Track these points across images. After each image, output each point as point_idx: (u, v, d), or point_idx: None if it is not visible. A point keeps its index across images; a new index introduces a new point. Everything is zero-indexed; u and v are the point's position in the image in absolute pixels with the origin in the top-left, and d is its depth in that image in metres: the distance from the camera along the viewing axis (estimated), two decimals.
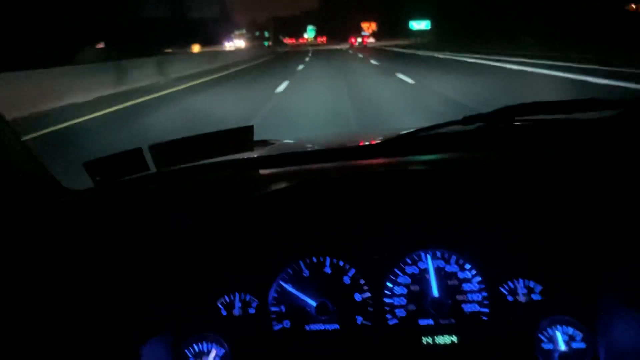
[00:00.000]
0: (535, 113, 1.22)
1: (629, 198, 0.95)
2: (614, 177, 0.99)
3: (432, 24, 63.76)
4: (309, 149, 1.43)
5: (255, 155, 1.26)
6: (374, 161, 1.15)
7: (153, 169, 1.17)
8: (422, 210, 1.07)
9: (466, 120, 1.18)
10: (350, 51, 46.39)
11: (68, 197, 1.15)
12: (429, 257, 1.08)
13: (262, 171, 1.15)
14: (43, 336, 0.90)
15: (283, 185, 1.01)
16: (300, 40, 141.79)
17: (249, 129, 1.17)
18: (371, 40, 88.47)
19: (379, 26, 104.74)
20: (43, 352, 0.88)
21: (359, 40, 78.43)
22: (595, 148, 1.10)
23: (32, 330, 0.90)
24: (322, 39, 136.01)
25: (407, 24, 66.92)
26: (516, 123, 1.20)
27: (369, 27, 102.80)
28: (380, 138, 1.29)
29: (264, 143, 1.65)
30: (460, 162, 1.10)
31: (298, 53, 47.79)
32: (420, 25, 66.02)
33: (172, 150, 1.15)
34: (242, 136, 1.18)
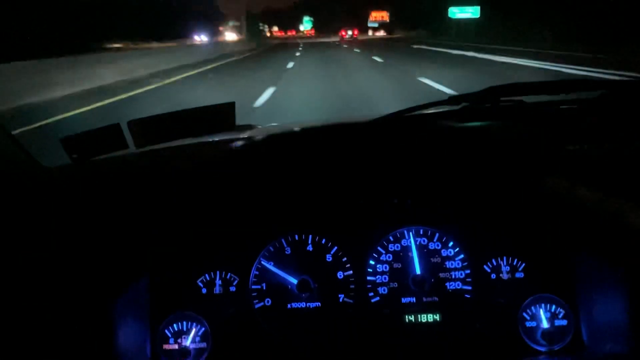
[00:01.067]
0: (520, 94, 1.21)
1: (609, 176, 0.94)
2: (595, 157, 0.98)
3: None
4: (291, 130, 1.41)
5: (238, 136, 1.24)
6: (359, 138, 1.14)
7: (132, 146, 1.15)
8: (405, 187, 1.06)
9: (452, 100, 1.17)
10: (345, 45, 41.55)
11: (43, 174, 1.13)
12: (411, 234, 1.07)
13: (242, 147, 1.13)
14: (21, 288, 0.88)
15: (264, 158, 0.99)
16: (289, 33, 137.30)
17: (231, 105, 1.15)
18: (381, 33, 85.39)
19: (392, 14, 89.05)
20: (22, 333, 0.86)
21: (349, 33, 77.83)
22: (578, 128, 1.09)
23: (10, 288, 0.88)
24: (310, 32, 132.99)
25: (442, 10, 45.55)
26: (502, 103, 1.19)
27: (376, 17, 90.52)
28: (364, 119, 1.27)
29: (246, 127, 1.62)
30: (444, 140, 1.09)
31: (287, 47, 41.99)
32: (464, 13, 44.11)
33: (151, 127, 1.12)
34: (223, 113, 1.16)
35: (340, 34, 78.70)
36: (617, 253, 0.92)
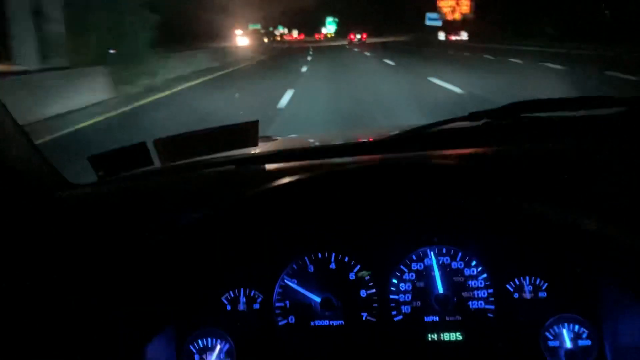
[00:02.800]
0: (541, 110, 1.22)
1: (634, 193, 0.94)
2: (618, 173, 0.98)
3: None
4: (313, 145, 1.42)
5: (258, 151, 1.25)
6: (380, 156, 1.14)
7: (157, 163, 1.17)
8: (428, 206, 1.06)
9: (472, 116, 1.17)
10: (356, 49, 41.71)
11: (70, 191, 1.15)
12: (432, 253, 1.08)
13: (266, 166, 1.15)
14: (46, 334, 0.89)
15: (288, 179, 1.00)
16: (299, 37, 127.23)
17: (254, 124, 1.16)
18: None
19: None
20: (46, 352, 0.88)
21: (358, 37, 78.17)
22: (602, 144, 1.09)
23: (35, 328, 0.89)
24: (319, 36, 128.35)
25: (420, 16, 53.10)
26: (523, 119, 1.20)
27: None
28: (385, 135, 1.28)
29: (267, 139, 1.64)
30: (466, 158, 1.10)
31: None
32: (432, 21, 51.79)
33: (176, 145, 1.14)
34: (247, 131, 1.17)
35: (349, 37, 79.04)
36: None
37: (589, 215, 0.94)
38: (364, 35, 77.85)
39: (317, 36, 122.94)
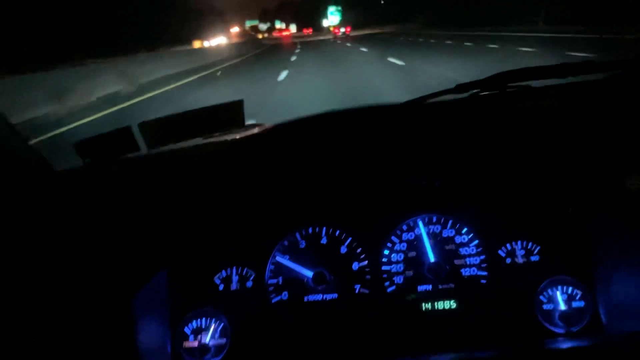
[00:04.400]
0: (527, 78, 1.22)
1: (621, 156, 0.94)
2: (605, 136, 0.98)
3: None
4: (302, 120, 1.42)
5: (246, 133, 1.25)
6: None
7: (143, 146, 1.16)
8: (416, 174, 1.06)
9: (459, 88, 1.17)
10: (339, 41, 44.12)
11: (55, 177, 1.14)
12: (421, 222, 1.08)
13: (250, 144, 1.14)
14: (43, 317, 0.89)
15: (274, 150, 1.00)
16: (284, 32, 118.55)
17: (239, 103, 1.16)
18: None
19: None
20: (45, 335, 0.88)
21: (342, 30, 78.52)
22: (589, 108, 1.09)
23: (31, 306, 0.89)
24: (307, 31, 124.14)
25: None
26: (509, 89, 1.19)
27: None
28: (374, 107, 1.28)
29: (252, 126, 1.63)
30: (454, 126, 1.09)
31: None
32: None
33: (162, 128, 1.14)
34: (232, 111, 1.17)
35: (333, 32, 79.61)
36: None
37: (580, 160, 0.95)
38: (348, 29, 78.50)
39: (304, 31, 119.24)
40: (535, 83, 1.20)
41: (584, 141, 0.95)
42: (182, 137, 1.15)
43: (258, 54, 35.76)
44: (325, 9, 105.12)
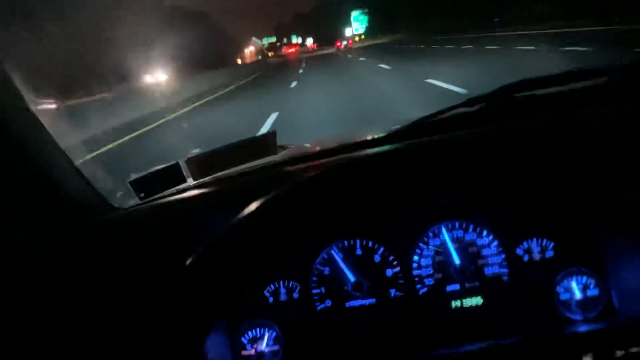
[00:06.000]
0: (531, 88, 1.31)
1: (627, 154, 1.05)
2: (609, 136, 1.09)
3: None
4: (328, 147, 1.54)
5: (279, 159, 1.38)
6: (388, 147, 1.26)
7: (190, 181, 1.29)
8: (437, 186, 1.18)
9: (470, 101, 1.28)
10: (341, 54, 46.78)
11: (115, 214, 1.27)
12: (444, 229, 1.20)
13: (289, 168, 1.26)
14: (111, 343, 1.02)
15: (311, 175, 1.12)
16: (289, 49, 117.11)
17: (273, 135, 1.30)
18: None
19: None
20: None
21: (344, 43, 79.80)
22: (592, 113, 1.19)
23: (98, 338, 1.02)
24: (313, 46, 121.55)
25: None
26: (516, 99, 1.30)
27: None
28: (390, 129, 1.40)
29: (282, 148, 1.77)
30: (465, 138, 1.21)
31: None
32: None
33: (205, 161, 1.27)
34: (266, 141, 1.31)
35: (335, 45, 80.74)
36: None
37: (586, 173, 1.05)
38: (350, 42, 79.94)
39: (310, 47, 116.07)
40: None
41: (591, 148, 1.06)
42: (224, 167, 1.28)
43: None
44: (348, 16, 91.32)
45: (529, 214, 1.18)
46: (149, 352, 1.03)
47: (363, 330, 1.19)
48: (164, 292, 1.07)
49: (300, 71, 27.72)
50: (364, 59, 30.00)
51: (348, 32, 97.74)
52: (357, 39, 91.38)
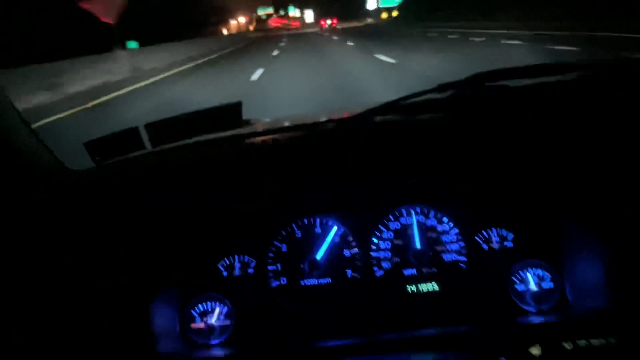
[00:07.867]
0: (504, 78, 1.30)
1: (593, 151, 1.05)
2: (577, 132, 1.08)
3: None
4: (295, 123, 1.51)
5: (240, 132, 1.33)
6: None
7: (148, 147, 1.24)
8: (401, 169, 1.16)
9: (441, 87, 1.26)
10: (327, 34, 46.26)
11: (70, 176, 1.22)
12: (412, 212, 1.18)
13: (248, 141, 1.23)
14: (57, 305, 0.98)
15: (271, 148, 1.09)
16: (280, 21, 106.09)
17: (238, 105, 1.25)
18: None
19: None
20: (59, 317, 0.97)
21: (328, 22, 79.05)
22: (559, 106, 1.19)
23: (47, 301, 0.98)
24: (295, 23, 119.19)
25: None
26: (487, 89, 1.29)
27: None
28: (361, 110, 1.37)
29: (245, 122, 1.72)
30: (433, 122, 1.19)
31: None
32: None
33: (165, 128, 1.22)
34: (230, 112, 1.26)
35: (319, 24, 79.97)
36: (597, 223, 1.03)
37: (549, 167, 1.05)
38: (334, 21, 79.49)
39: (292, 24, 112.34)
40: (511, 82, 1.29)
41: (557, 142, 1.06)
42: (184, 136, 1.24)
43: None
44: None
45: (491, 203, 1.18)
46: (96, 311, 1.01)
47: (316, 309, 1.17)
48: (115, 254, 1.05)
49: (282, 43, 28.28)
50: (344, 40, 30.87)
51: (370, 4, 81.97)
52: (385, 15, 74.50)
